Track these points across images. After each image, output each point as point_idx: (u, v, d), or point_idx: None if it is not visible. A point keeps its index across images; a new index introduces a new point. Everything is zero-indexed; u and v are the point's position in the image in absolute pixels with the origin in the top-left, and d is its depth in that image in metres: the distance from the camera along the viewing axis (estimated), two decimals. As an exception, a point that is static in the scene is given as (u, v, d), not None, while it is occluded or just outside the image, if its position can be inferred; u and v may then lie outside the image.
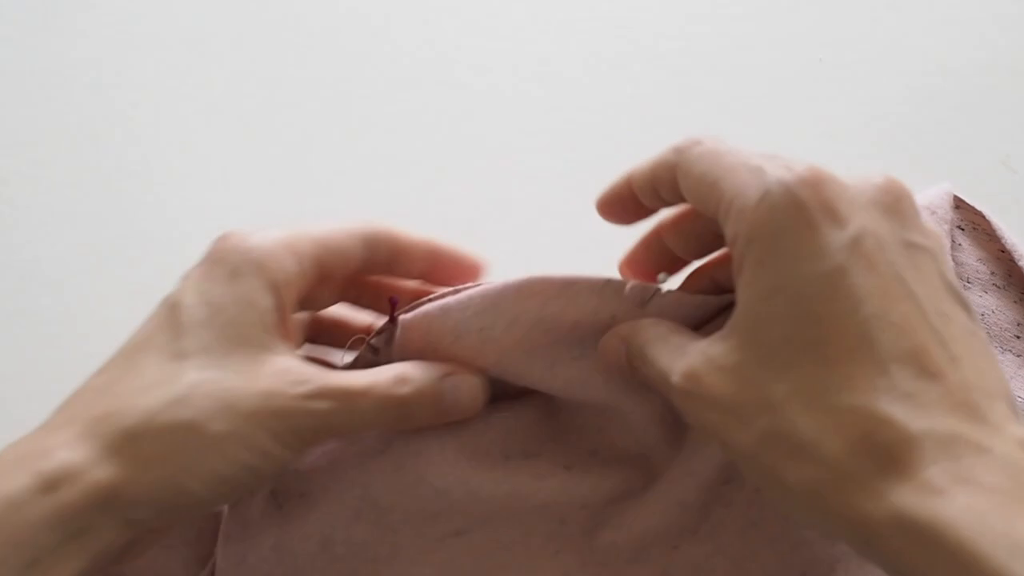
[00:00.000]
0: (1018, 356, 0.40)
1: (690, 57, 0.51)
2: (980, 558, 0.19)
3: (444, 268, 0.32)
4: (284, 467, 0.28)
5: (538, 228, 0.45)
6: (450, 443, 0.32)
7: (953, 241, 0.41)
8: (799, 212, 0.23)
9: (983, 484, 0.20)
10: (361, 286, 0.33)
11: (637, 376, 0.29)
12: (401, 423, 0.30)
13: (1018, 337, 0.40)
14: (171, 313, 0.27)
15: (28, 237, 0.46)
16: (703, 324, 0.32)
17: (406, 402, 0.29)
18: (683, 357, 0.26)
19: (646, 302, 0.30)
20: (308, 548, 0.32)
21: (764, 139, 0.46)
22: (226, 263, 0.27)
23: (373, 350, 0.31)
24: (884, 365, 0.22)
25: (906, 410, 0.22)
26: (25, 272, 0.45)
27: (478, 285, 0.30)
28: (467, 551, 0.32)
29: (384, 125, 0.49)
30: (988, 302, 0.41)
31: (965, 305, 0.25)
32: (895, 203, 0.25)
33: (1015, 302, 0.41)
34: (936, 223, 0.41)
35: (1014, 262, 0.41)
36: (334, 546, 0.32)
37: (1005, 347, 0.40)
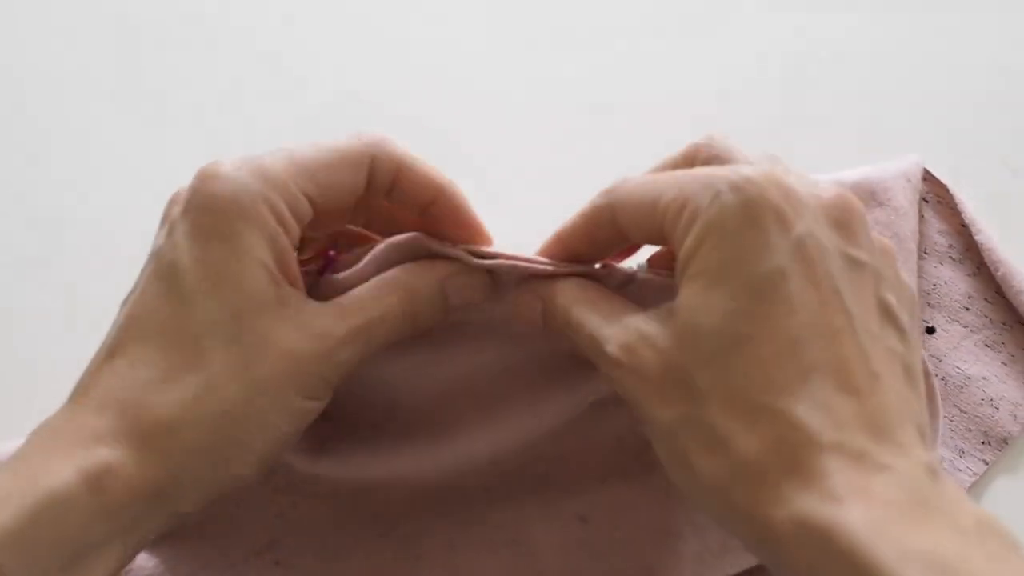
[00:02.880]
0: (965, 327, 0.41)
1: (689, 56, 0.51)
2: (870, 562, 0.20)
3: (443, 217, 0.29)
4: (318, 413, 0.27)
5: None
6: (385, 443, 0.32)
7: (920, 212, 0.43)
8: (748, 210, 0.24)
9: (881, 497, 0.21)
10: (369, 210, 0.31)
11: (553, 331, 0.29)
12: (414, 332, 0.29)
13: (967, 309, 0.42)
14: (170, 278, 0.26)
15: None
16: None
17: (417, 314, 0.28)
18: (619, 328, 0.26)
19: (622, 287, 0.29)
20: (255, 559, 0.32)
21: (763, 137, 0.46)
22: (214, 214, 0.25)
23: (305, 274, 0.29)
24: (807, 374, 0.23)
25: (820, 421, 0.22)
26: None
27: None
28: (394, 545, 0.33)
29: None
30: (943, 273, 0.42)
31: (898, 327, 0.25)
32: (844, 216, 0.25)
33: (969, 275, 0.42)
34: (910, 191, 0.42)
35: (972, 236, 0.42)
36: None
37: (953, 318, 0.42)
